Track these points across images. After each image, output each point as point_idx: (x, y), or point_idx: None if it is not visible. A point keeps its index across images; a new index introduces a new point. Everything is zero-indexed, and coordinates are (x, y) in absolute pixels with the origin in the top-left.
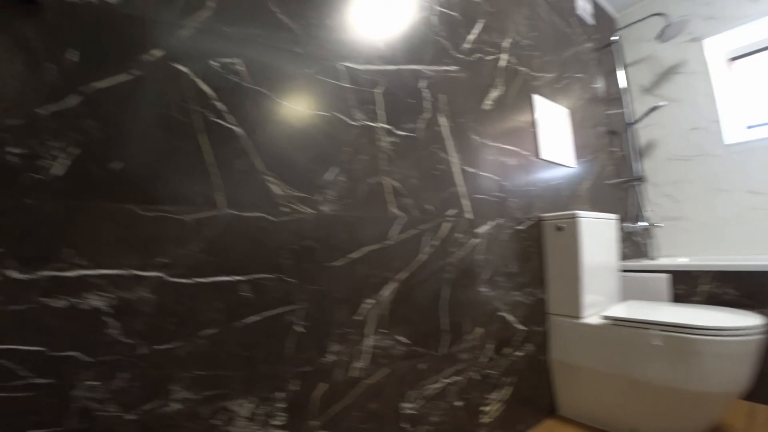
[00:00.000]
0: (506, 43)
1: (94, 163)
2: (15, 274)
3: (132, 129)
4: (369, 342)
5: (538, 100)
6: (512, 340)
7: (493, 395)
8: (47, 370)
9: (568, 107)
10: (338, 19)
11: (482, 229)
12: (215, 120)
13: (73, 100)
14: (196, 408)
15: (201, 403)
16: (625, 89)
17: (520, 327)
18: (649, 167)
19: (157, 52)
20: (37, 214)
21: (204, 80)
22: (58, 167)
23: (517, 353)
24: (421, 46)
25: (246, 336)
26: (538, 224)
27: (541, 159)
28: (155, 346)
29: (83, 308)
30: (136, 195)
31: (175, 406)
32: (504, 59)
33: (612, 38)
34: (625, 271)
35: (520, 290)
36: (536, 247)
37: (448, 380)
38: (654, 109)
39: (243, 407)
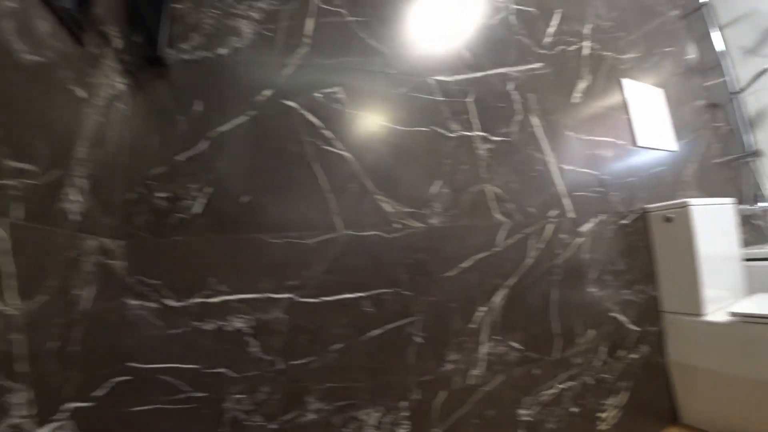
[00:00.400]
0: (587, 30)
1: (225, 199)
2: (172, 303)
3: (254, 164)
4: (484, 349)
5: (627, 83)
6: (626, 341)
7: (610, 401)
8: (202, 385)
9: (660, 86)
10: (422, 35)
11: (585, 227)
12: (325, 148)
13: (202, 145)
14: (329, 418)
15: (333, 413)
16: (723, 54)
17: (633, 327)
18: (763, 139)
19: (267, 92)
20: (185, 249)
21: (311, 111)
22: (197, 206)
23: (632, 356)
24: (503, 49)
25: (371, 349)
26: (643, 217)
27: (639, 146)
28: (291, 362)
29: (228, 330)
30: (264, 224)
31: (311, 417)
32: (587, 47)
33: (701, 0)
34: (748, 260)
35: (630, 288)
36: (643, 242)
37: (562, 385)
38: (764, 72)
39: (370, 416)
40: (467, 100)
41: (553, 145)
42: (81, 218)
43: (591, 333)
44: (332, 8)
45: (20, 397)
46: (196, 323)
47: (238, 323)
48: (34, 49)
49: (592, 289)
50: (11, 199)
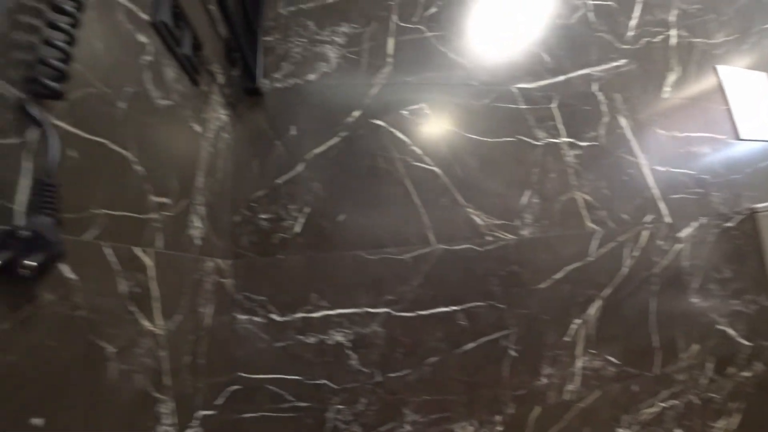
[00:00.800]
0: (672, 17)
1: (323, 217)
2: (276, 317)
3: (348, 183)
4: (579, 363)
5: (723, 71)
6: (736, 357)
7: (719, 423)
8: (305, 396)
9: (763, 69)
10: (501, 43)
11: (685, 232)
12: (415, 163)
13: (299, 168)
14: (425, 430)
15: (429, 426)
16: None
17: (745, 342)
18: None
19: (356, 113)
20: (287, 267)
21: (399, 129)
22: (297, 225)
23: (744, 374)
24: (584, 48)
25: (465, 362)
26: (751, 218)
27: (742, 139)
28: (388, 374)
29: (329, 343)
30: (360, 241)
31: (407, 428)
32: (674, 35)
33: None
34: None
35: (739, 298)
36: (753, 246)
37: (664, 404)
38: None
39: (465, 430)
40: (551, 105)
41: (643, 146)
42: (201, 242)
43: (695, 347)
44: (411, 26)
45: (167, 407)
46: (299, 337)
47: (338, 337)
48: (164, 93)
49: (695, 300)
50: (155, 230)
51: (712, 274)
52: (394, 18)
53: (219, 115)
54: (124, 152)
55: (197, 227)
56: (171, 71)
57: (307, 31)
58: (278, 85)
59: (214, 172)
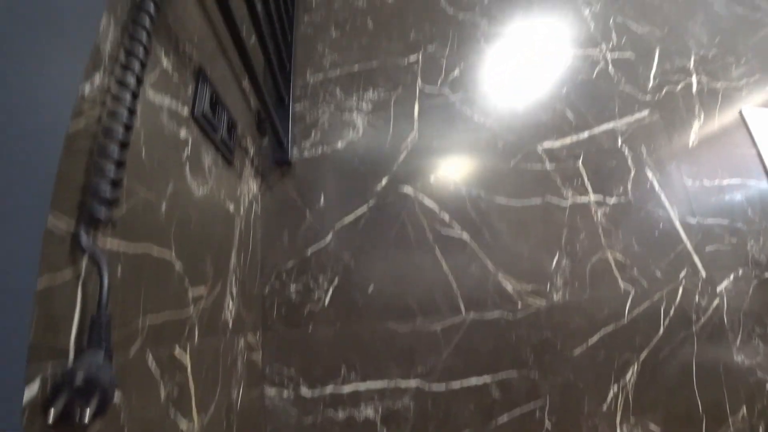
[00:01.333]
0: (691, 63)
1: (352, 288)
2: (305, 391)
3: (377, 253)
4: None
5: (749, 113)
6: None
7: None
8: None
9: None
10: (525, 103)
11: (722, 285)
12: (443, 230)
13: (328, 238)
14: None
15: None
16: None
17: None
18: None
19: (384, 180)
20: (316, 339)
21: (426, 195)
22: (326, 297)
23: None
24: (607, 102)
25: None
26: None
27: None
28: None
29: (358, 419)
30: (390, 311)
31: None
32: (694, 82)
33: None
34: None
35: None
36: None
37: None
38: None
39: None
40: (577, 164)
41: (673, 198)
42: (233, 322)
43: (743, 410)
44: (435, 90)
45: None
46: (328, 412)
47: (368, 411)
48: (202, 181)
49: (740, 358)
50: (191, 326)
51: (755, 329)
52: (419, 83)
53: (250, 187)
54: (165, 253)
55: (230, 309)
56: (208, 158)
57: (335, 98)
58: (307, 154)
59: (246, 248)
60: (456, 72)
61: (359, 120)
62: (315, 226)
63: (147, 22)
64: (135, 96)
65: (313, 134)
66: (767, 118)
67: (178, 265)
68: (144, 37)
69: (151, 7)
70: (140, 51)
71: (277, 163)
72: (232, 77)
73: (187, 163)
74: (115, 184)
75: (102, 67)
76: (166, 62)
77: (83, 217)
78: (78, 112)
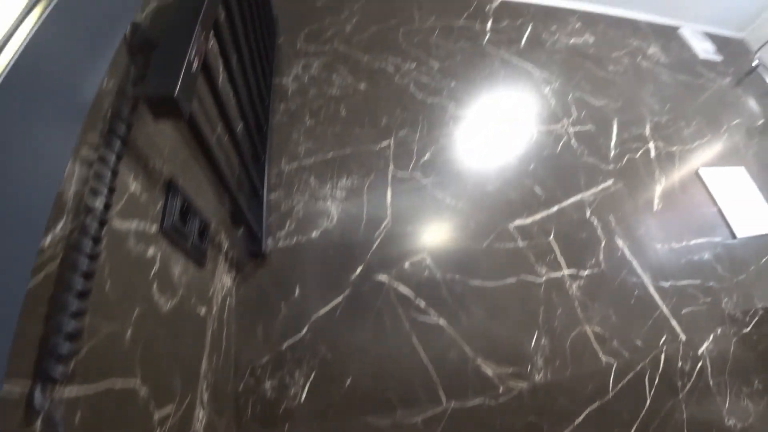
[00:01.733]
0: (647, 131)
1: (329, 382)
2: None
3: (354, 344)
4: None
5: (705, 173)
6: None
7: None
8: None
9: (740, 163)
10: (494, 182)
11: (704, 347)
12: (420, 318)
13: (304, 330)
14: None
15: None
16: None
17: None
18: None
19: (359, 269)
20: None
21: (402, 282)
22: (303, 393)
23: None
24: (572, 175)
25: None
26: (766, 318)
27: (739, 238)
28: None
29: None
30: (368, 406)
31: None
32: (652, 148)
33: (753, 63)
34: None
35: None
36: None
37: None
38: None
39: None
40: (549, 239)
41: (645, 264)
42: None
43: None
44: (407, 176)
45: None
46: None
47: None
48: (171, 294)
49: (731, 421)
50: None
51: (742, 389)
52: (391, 168)
53: (224, 282)
54: (130, 382)
55: (201, 419)
56: (178, 268)
57: (309, 186)
58: (282, 244)
59: (219, 348)
60: (427, 155)
61: (333, 208)
62: (290, 318)
63: (112, 161)
64: (98, 241)
65: (287, 224)
66: (722, 176)
67: (143, 391)
68: (108, 177)
69: (117, 145)
70: (104, 193)
71: (251, 255)
72: (206, 176)
73: (155, 281)
74: (74, 336)
75: (65, 213)
76: (134, 186)
77: (39, 376)
78: (38, 266)
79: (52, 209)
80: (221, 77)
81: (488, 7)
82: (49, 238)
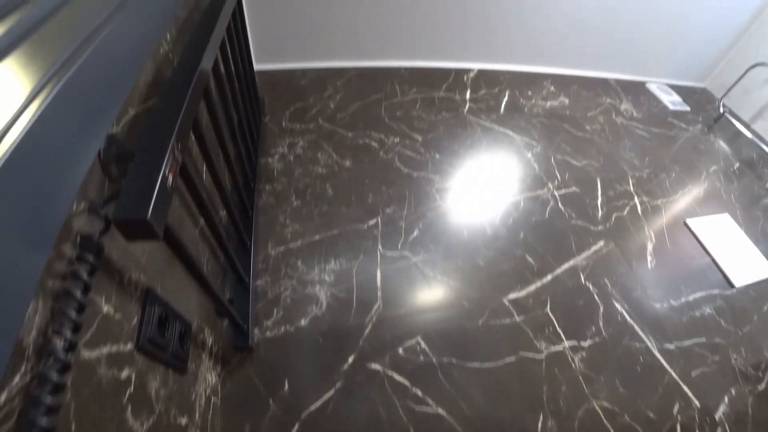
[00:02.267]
0: (630, 186)
1: None
2: None
3: None
4: None
5: (694, 223)
6: None
7: None
8: None
9: (724, 210)
10: (484, 254)
11: (720, 411)
12: (418, 408)
13: (294, 429)
14: None
15: None
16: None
17: None
18: None
19: (351, 358)
20: None
21: (396, 370)
22: None
23: None
24: (563, 240)
25: None
26: None
27: (737, 287)
28: None
29: None
30: None
31: None
32: (638, 203)
33: (721, 110)
34: None
35: None
36: None
37: None
38: None
39: None
40: (546, 310)
41: (647, 327)
42: None
43: None
44: (397, 255)
45: None
46: None
47: None
48: (148, 412)
49: None
50: None
51: None
52: (380, 248)
53: (209, 381)
54: None
55: None
56: (155, 382)
57: (297, 271)
58: (269, 334)
59: None
60: (415, 232)
61: (322, 293)
62: (279, 415)
63: (79, 296)
64: (60, 389)
65: (275, 312)
66: (710, 225)
67: None
68: (74, 315)
69: (86, 277)
70: (68, 334)
71: (237, 349)
72: (186, 274)
73: (129, 405)
74: None
75: (24, 360)
76: (107, 308)
77: None
78: None
79: (9, 362)
80: (204, 170)
81: (466, 77)
82: (4, 395)
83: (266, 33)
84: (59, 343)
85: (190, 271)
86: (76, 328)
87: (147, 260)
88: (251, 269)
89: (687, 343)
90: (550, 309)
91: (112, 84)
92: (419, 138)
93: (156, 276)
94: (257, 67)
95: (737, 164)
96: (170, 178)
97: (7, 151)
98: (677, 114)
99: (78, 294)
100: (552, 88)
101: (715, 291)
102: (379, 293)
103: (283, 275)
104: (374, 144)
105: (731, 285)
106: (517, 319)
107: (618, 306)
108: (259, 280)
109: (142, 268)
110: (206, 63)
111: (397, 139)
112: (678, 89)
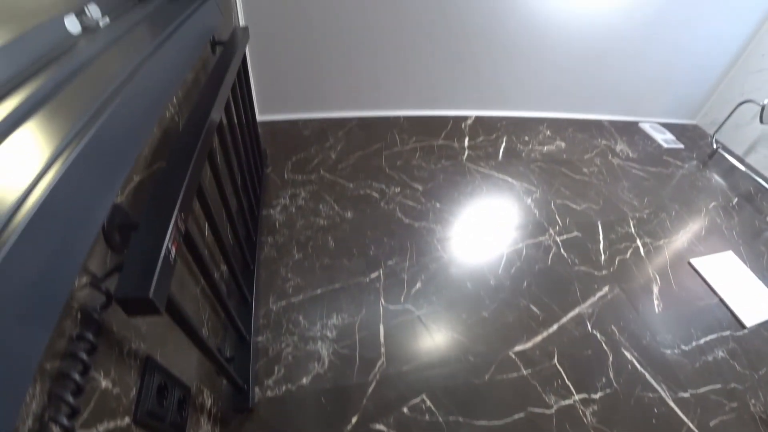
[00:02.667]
0: (631, 228)
1: None
2: None
3: None
4: None
5: (698, 263)
6: None
7: None
8: None
9: (728, 246)
10: (489, 305)
11: None
12: None
13: None
14: None
15: None
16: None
17: None
18: None
19: (354, 418)
20: None
21: (401, 431)
22: None
23: None
24: (567, 287)
25: None
26: None
27: (748, 327)
28: None
29: None
30: None
31: None
32: (640, 244)
33: (714, 146)
34: None
35: None
36: None
37: None
38: None
39: None
40: (553, 362)
41: (659, 375)
42: None
43: None
44: (399, 308)
45: None
46: None
47: None
48: None
49: None
50: None
51: None
52: (382, 302)
53: None
54: None
55: None
56: None
57: (298, 327)
58: (270, 393)
59: None
60: (418, 285)
61: (324, 350)
62: None
63: (78, 378)
64: None
65: (276, 370)
66: (715, 264)
67: None
68: (72, 400)
69: (85, 357)
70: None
71: (237, 410)
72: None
73: None
74: None
75: None
76: (106, 383)
77: None
78: None
79: None
80: (205, 226)
81: (464, 124)
82: None
83: (269, 85)
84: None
85: (190, 337)
86: (73, 413)
87: (147, 328)
88: (252, 325)
89: (702, 390)
90: (557, 360)
91: (120, 154)
92: (420, 187)
93: (156, 342)
94: (260, 118)
95: (735, 199)
96: (173, 251)
97: (15, 231)
98: (672, 152)
99: (76, 376)
100: (548, 132)
101: (726, 333)
102: (383, 349)
103: (284, 331)
104: (375, 194)
105: (742, 325)
106: (525, 372)
107: (627, 354)
108: (260, 337)
109: (142, 336)
110: (211, 126)
111: (398, 189)
112: (670, 127)
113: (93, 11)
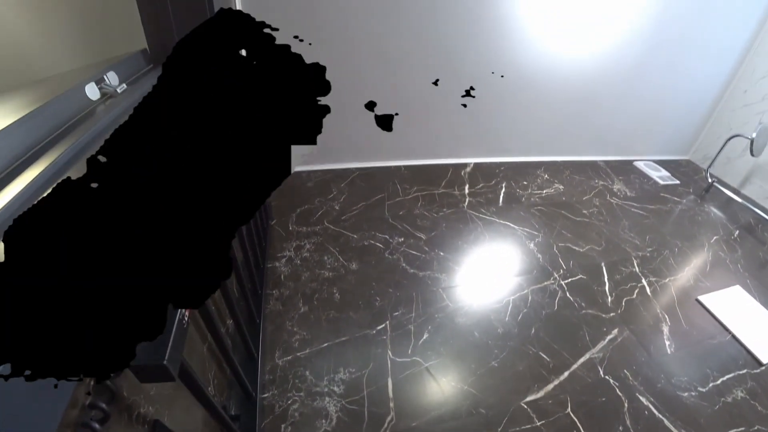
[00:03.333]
0: (636, 268)
1: None
2: None
3: None
4: None
5: (707, 300)
6: None
7: None
8: None
9: (735, 280)
10: (497, 355)
11: None
12: None
13: None
14: None
15: None
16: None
17: None
18: None
19: None
20: None
21: None
22: None
23: None
24: (576, 332)
25: None
26: None
27: (766, 364)
28: None
29: None
30: None
31: None
32: (645, 284)
33: (709, 180)
34: None
35: None
36: None
37: None
38: None
39: None
40: (567, 411)
41: (677, 421)
42: None
43: None
44: (408, 361)
45: None
46: None
47: None
48: None
49: None
50: None
51: None
52: (390, 355)
53: None
54: None
55: None
56: None
57: (305, 382)
58: None
59: None
60: (425, 336)
61: (332, 406)
62: None
63: None
64: None
65: (282, 429)
66: (723, 299)
67: None
68: None
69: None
70: None
71: None
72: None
73: None
74: None
75: None
76: None
77: None
78: None
79: None
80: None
81: (463, 171)
82: None
83: None
84: None
85: (197, 398)
86: None
87: (156, 391)
88: (258, 381)
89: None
90: (571, 409)
91: None
92: (423, 236)
93: (164, 404)
94: None
95: (737, 231)
96: (186, 315)
97: None
98: (668, 188)
99: None
100: (546, 176)
101: (743, 371)
102: (392, 404)
103: (290, 387)
104: (379, 245)
105: (759, 363)
106: (538, 423)
107: (643, 400)
108: (266, 393)
109: (150, 400)
110: None
111: (401, 239)
112: (664, 164)
113: (111, 78)
